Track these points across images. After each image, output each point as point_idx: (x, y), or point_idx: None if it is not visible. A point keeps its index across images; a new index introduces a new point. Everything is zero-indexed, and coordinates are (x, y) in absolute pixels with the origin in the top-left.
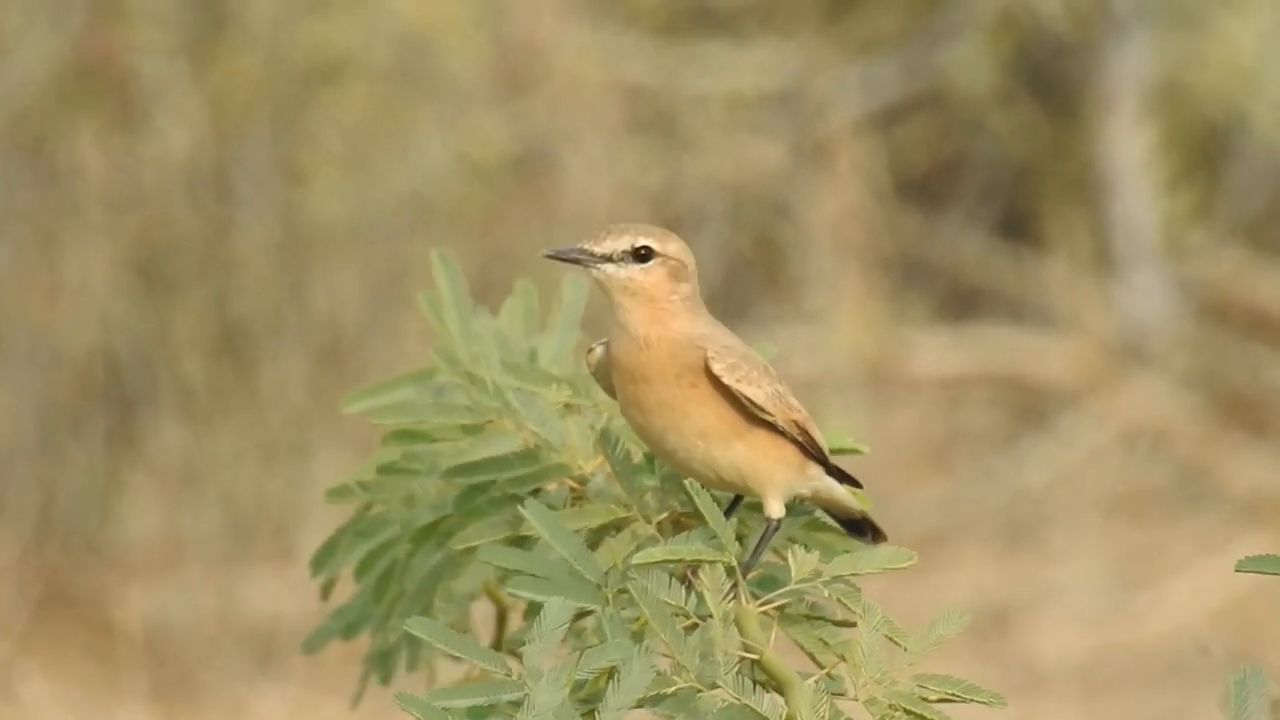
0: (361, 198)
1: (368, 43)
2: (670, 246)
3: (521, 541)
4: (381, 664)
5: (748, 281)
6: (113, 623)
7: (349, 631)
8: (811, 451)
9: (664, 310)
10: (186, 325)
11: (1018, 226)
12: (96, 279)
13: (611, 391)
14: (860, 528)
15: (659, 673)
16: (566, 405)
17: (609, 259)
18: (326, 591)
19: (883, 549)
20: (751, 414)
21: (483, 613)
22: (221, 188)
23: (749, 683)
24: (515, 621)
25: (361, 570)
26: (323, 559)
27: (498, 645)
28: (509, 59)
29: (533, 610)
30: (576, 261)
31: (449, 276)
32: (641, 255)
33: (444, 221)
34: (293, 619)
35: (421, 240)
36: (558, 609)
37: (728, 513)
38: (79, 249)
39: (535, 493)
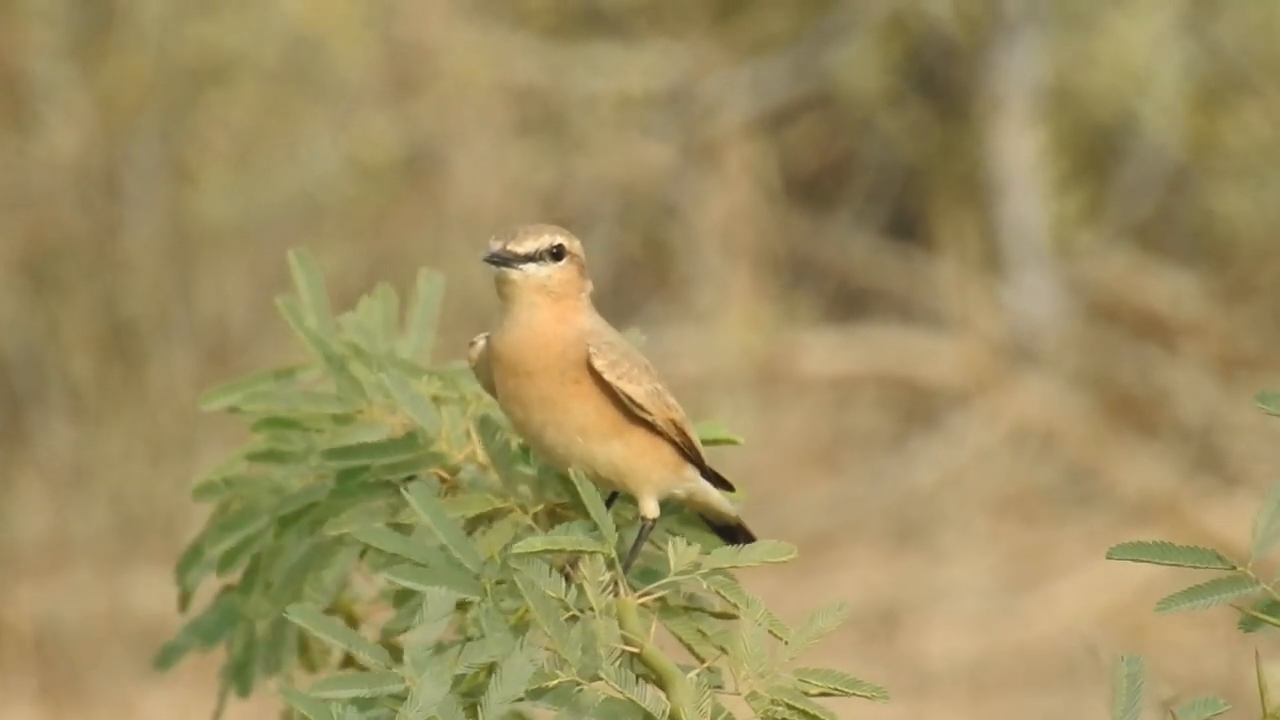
0: (250, 198)
1: (257, 43)
2: (575, 244)
3: (397, 530)
4: (239, 675)
5: (637, 281)
6: (1, 622)
7: (205, 642)
8: (688, 453)
9: (571, 308)
10: (75, 324)
11: (907, 227)
12: None
13: (490, 386)
14: (733, 534)
15: (540, 667)
16: (435, 397)
17: (531, 259)
18: (184, 604)
19: (762, 542)
20: (631, 413)
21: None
22: (111, 187)
23: (631, 676)
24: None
25: (225, 563)
26: (188, 564)
27: (349, 660)
28: (398, 60)
29: (402, 598)
30: (505, 263)
31: (308, 277)
32: (555, 253)
33: (333, 221)
34: (181, 619)
35: (311, 240)
36: (440, 599)
37: (605, 506)
38: None
39: (409, 480)
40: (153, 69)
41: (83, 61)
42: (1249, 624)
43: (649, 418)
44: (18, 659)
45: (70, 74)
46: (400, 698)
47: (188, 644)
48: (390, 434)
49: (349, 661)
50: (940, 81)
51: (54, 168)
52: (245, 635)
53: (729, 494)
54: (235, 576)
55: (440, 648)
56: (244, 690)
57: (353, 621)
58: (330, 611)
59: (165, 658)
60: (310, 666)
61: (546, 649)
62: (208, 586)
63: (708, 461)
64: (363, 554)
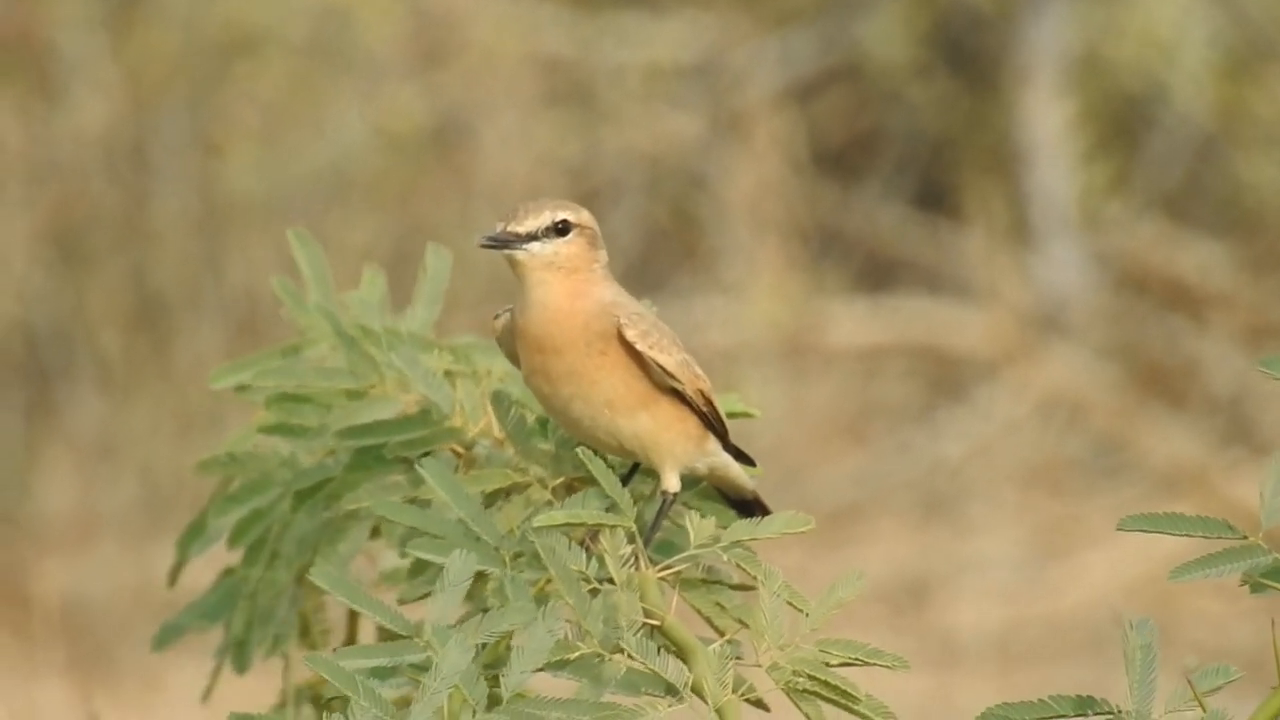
0: (278, 171)
1: (284, 16)
2: (583, 216)
3: (415, 504)
4: (239, 651)
5: (665, 253)
6: (29, 596)
7: (206, 621)
8: (713, 425)
9: (585, 280)
10: (103, 298)
11: (935, 198)
12: (14, 252)
13: (515, 359)
14: (750, 508)
15: (562, 638)
16: (447, 372)
17: (534, 237)
18: (174, 577)
19: (781, 513)
20: (658, 385)
21: (335, 612)
22: (139, 161)
23: (654, 647)
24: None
25: (237, 534)
26: (191, 537)
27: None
28: (426, 31)
29: (416, 570)
30: (507, 245)
31: (309, 255)
32: (560, 229)
33: (361, 194)
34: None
35: (338, 212)
36: (460, 563)
37: (625, 480)
38: None
39: (425, 456)
40: (181, 42)
41: (111, 35)
42: (1255, 587)
43: (680, 387)
44: (45, 632)
45: (99, 48)
46: (421, 667)
47: (187, 624)
48: (404, 410)
49: (351, 644)
50: (968, 52)
51: (82, 141)
52: (247, 612)
53: (749, 469)
54: (237, 556)
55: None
56: (242, 666)
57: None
58: None
59: (164, 637)
60: (311, 648)
61: (568, 620)
62: (207, 567)
63: (730, 436)
64: (373, 533)
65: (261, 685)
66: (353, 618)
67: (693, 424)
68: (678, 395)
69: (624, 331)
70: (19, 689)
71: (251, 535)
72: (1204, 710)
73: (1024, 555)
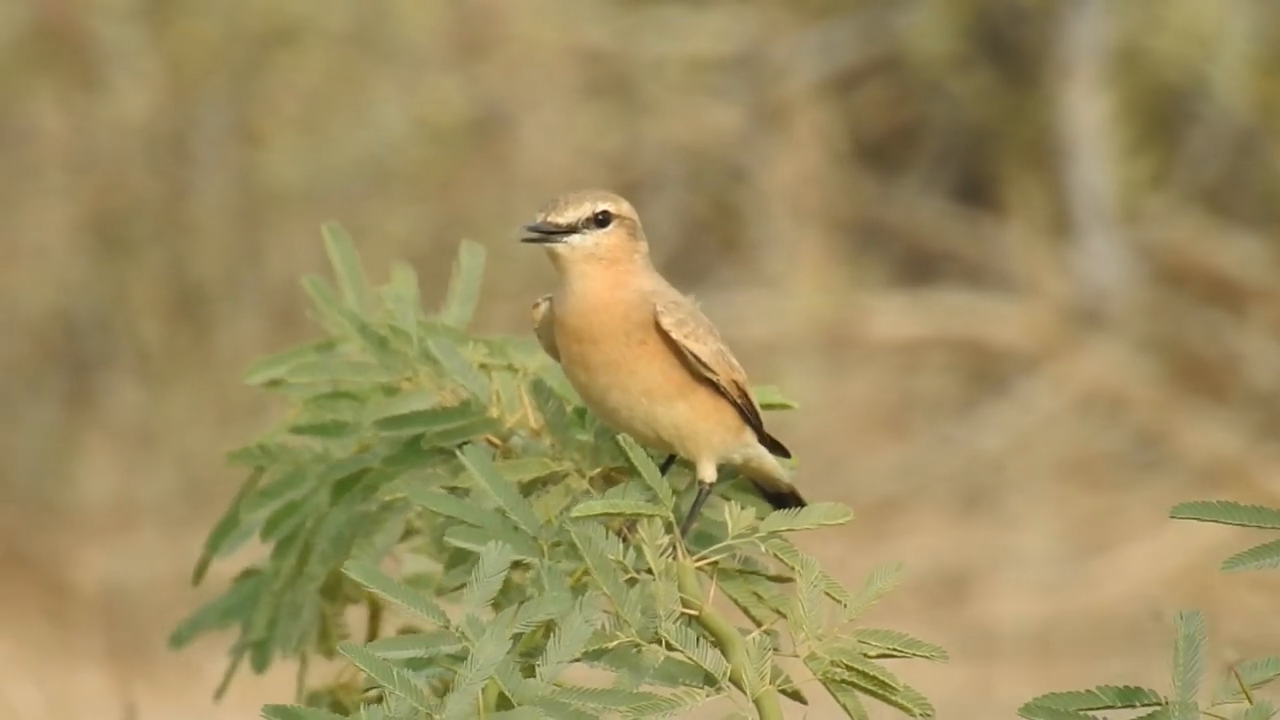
0: (318, 161)
1: (324, 5)
2: (623, 207)
3: (453, 493)
4: (259, 650)
5: (705, 245)
6: (69, 584)
7: (223, 622)
8: (748, 416)
9: (626, 271)
10: (144, 288)
11: (975, 191)
12: (54, 241)
13: (553, 349)
14: (785, 501)
15: (599, 627)
16: (482, 365)
17: (574, 229)
18: (200, 575)
19: (819, 504)
20: (695, 374)
21: (356, 614)
22: (179, 150)
23: (693, 636)
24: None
25: (271, 527)
26: (223, 531)
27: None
28: (466, 22)
29: (455, 560)
30: (548, 238)
31: (342, 251)
32: (601, 220)
33: (401, 185)
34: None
35: (379, 203)
36: (496, 554)
37: (662, 470)
38: (36, 211)
39: (462, 447)
40: (221, 32)
41: (151, 25)
42: None
43: (714, 377)
44: (84, 621)
45: (139, 37)
46: (457, 658)
47: (205, 623)
48: (440, 402)
49: None
50: (1009, 45)
51: (123, 131)
52: (269, 611)
53: (784, 460)
54: (256, 557)
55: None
56: (261, 665)
57: (376, 607)
58: (355, 598)
59: (181, 636)
60: (328, 653)
61: (605, 610)
62: (239, 563)
63: (766, 427)
64: (404, 535)
65: (281, 689)
66: (373, 623)
67: (730, 414)
68: (714, 386)
69: (660, 320)
70: (57, 677)
71: (285, 528)
72: (1250, 703)
73: (1063, 548)
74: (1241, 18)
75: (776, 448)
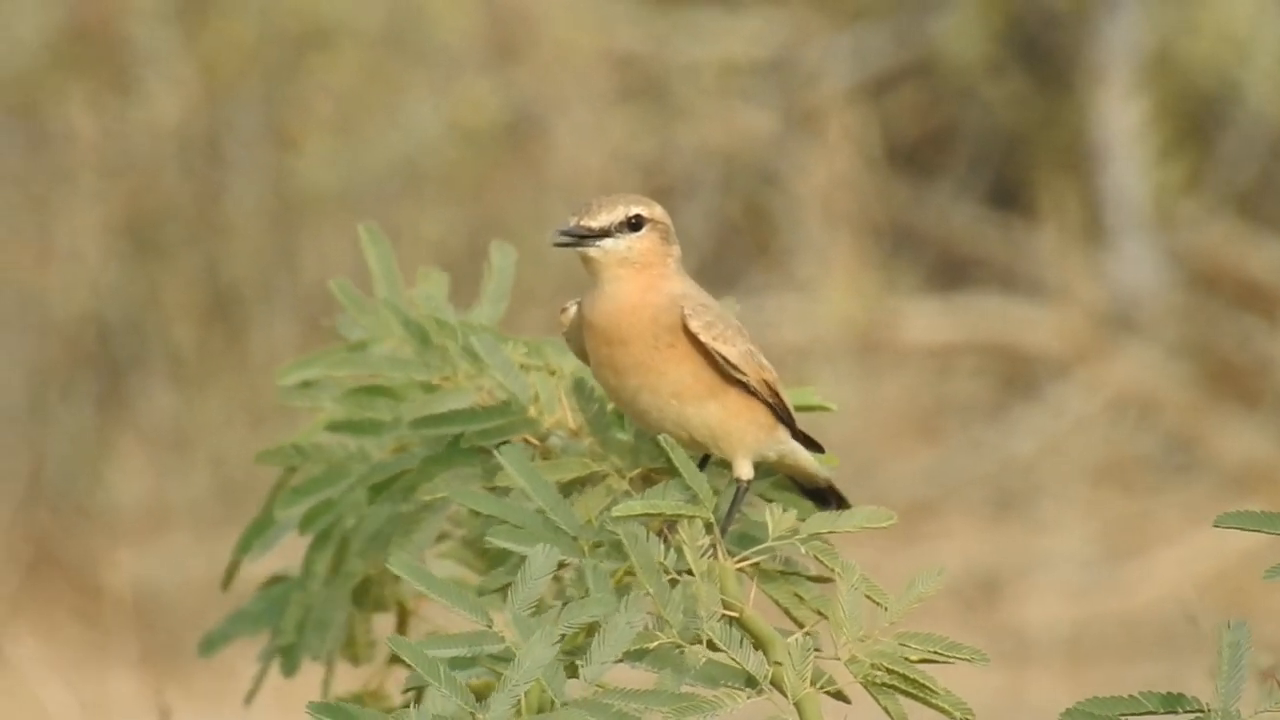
0: (352, 163)
1: (359, 7)
2: (656, 210)
3: (494, 493)
4: (287, 655)
5: (738, 249)
6: (102, 587)
7: (250, 629)
8: (781, 414)
9: (659, 275)
10: (177, 290)
11: (1008, 196)
12: (87, 244)
13: (582, 352)
14: (824, 496)
15: (643, 628)
16: (521, 365)
17: (607, 233)
18: (229, 578)
19: (861, 508)
20: (726, 375)
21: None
22: (213, 153)
23: (736, 637)
24: (414, 628)
25: (308, 522)
26: (256, 532)
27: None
28: (500, 25)
29: (496, 560)
30: (580, 242)
31: (378, 251)
32: (634, 224)
33: (434, 187)
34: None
35: (412, 206)
36: (543, 557)
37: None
38: (70, 214)
39: (500, 447)
40: (255, 34)
41: (185, 27)
42: None
43: (743, 378)
44: (117, 624)
45: (172, 39)
46: (501, 658)
47: (232, 632)
48: (478, 401)
49: (395, 660)
50: (1042, 49)
51: (156, 134)
52: (298, 614)
53: (819, 456)
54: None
55: (540, 607)
56: (291, 669)
57: (404, 613)
58: (382, 605)
59: (209, 644)
60: (354, 660)
61: (648, 611)
62: (269, 568)
63: (799, 425)
64: (439, 538)
65: (312, 693)
66: (400, 630)
67: (762, 413)
68: (745, 386)
69: (688, 322)
70: (91, 680)
71: (322, 523)
72: None
73: (1095, 552)
74: (1275, 21)
75: (810, 443)
